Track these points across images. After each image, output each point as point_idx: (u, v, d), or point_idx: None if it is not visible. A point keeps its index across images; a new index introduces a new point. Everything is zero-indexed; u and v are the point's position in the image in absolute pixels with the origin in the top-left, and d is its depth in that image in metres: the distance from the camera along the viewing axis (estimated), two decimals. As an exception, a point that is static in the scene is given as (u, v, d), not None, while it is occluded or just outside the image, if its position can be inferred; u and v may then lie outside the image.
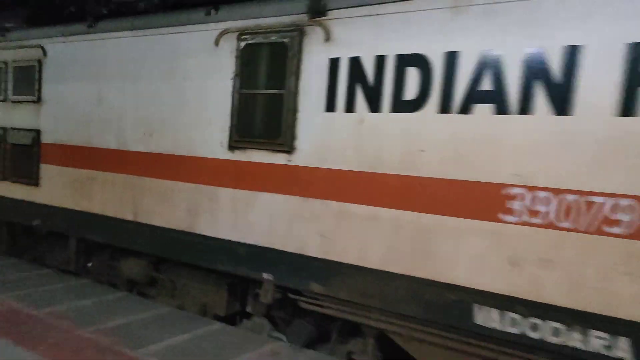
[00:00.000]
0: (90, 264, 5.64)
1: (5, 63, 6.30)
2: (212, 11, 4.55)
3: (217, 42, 4.45)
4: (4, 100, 6.40)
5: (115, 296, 5.52)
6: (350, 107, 3.84)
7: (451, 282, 3.43)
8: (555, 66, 3.07)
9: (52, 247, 6.10)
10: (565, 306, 3.11)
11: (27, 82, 6.11)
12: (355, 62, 3.82)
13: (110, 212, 5.14)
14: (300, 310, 4.22)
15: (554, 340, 3.17)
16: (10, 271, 6.28)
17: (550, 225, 3.18)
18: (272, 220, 4.23)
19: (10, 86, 6.40)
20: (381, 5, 3.75)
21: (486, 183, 3.34)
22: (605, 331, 3.03)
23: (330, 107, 3.95)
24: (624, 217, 2.97)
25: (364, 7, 3.87)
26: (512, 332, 3.20)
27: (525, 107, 3.09)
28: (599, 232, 3.04)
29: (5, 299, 5.20)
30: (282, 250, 4.19)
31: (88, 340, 4.33)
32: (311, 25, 4.04)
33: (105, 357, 4.09)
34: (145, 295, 5.55)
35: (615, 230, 3.00)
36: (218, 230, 4.57)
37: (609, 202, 3.04)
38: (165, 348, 4.28)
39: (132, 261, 5.25)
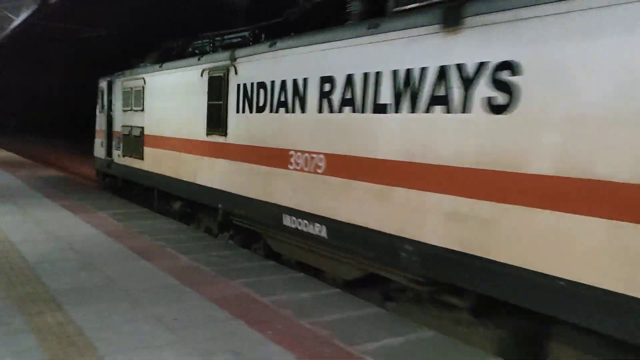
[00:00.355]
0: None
1: (131, 88, 12.46)
2: (200, 58, 9.42)
3: (201, 74, 9.22)
4: (130, 110, 12.61)
5: (329, 291, 6.21)
6: (243, 109, 8.02)
7: (275, 203, 7.22)
8: (302, 87, 6.75)
9: (148, 195, 12.19)
10: (309, 211, 6.58)
11: (139, 99, 12.02)
12: (244, 86, 8.04)
13: (167, 173, 10.64)
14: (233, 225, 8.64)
15: (305, 229, 6.61)
16: (240, 260, 7.52)
17: (302, 170, 6.76)
18: (220, 174, 8.69)
19: (132, 102, 12.42)
20: (253, 55, 7.91)
21: (283, 149, 7.12)
22: (320, 223, 6.41)
23: (238, 110, 8.19)
24: (321, 164, 6.40)
25: (245, 57, 8.09)
26: (294, 227, 6.85)
27: (295, 109, 6.90)
28: (315, 172, 6.53)
29: (237, 285, 6.28)
30: (228, 191, 8.40)
31: (308, 330, 4.90)
32: (231, 66, 8.37)
33: (323, 349, 4.52)
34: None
35: (320, 170, 6.44)
36: (202, 179, 9.20)
37: (317, 156, 6.47)
38: (380, 348, 4.58)
39: (175, 203, 10.87)
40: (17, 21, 18.97)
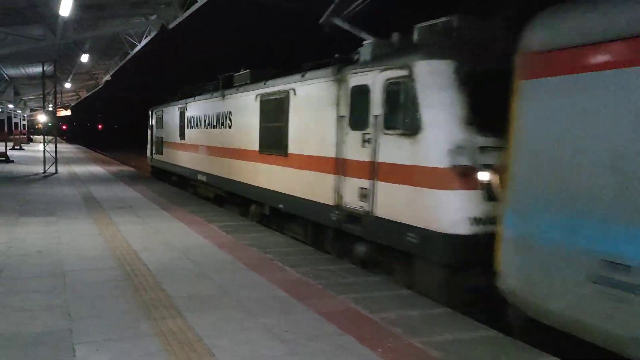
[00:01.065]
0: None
1: (161, 113, 21.83)
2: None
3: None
4: (159, 127, 22.54)
5: (439, 310, 6.00)
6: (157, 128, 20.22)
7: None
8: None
9: (165, 174, 21.48)
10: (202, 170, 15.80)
11: (160, 122, 21.98)
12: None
13: (170, 161, 20.47)
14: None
15: (203, 179, 15.92)
16: (345, 275, 7.49)
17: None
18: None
19: (157, 123, 22.87)
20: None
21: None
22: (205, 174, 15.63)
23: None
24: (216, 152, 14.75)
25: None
26: (201, 179, 15.73)
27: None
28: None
29: (345, 299, 6.28)
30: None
31: (419, 350, 4.81)
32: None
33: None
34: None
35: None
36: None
37: (207, 148, 15.93)
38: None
39: (173, 176, 19.88)
40: (139, 46, 20.69)
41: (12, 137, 43.65)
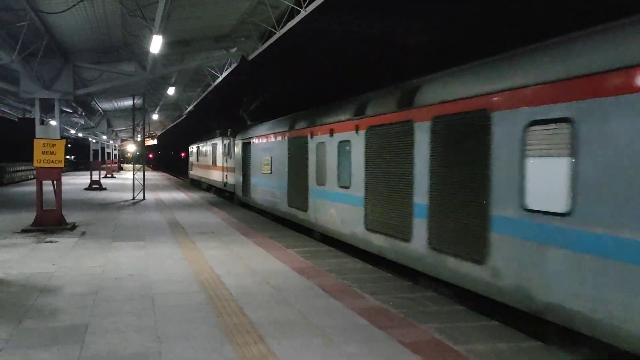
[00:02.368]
0: None
1: (195, 149, 42.10)
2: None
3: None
4: (192, 157, 44.01)
5: (530, 344, 5.69)
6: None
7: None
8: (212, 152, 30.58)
9: (197, 184, 40.21)
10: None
11: (193, 155, 43.30)
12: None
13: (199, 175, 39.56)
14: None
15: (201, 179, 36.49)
16: (428, 303, 7.33)
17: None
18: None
19: (192, 154, 44.45)
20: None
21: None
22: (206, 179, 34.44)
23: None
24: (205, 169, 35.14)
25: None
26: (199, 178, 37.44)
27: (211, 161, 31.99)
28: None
29: (428, 329, 6.14)
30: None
31: None
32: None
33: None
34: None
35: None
36: (209, 176, 33.35)
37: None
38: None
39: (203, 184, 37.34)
40: (220, 78, 21.66)
41: (105, 165, 46.74)
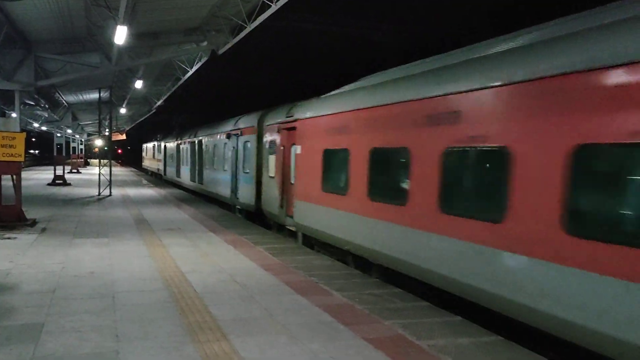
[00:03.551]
0: None
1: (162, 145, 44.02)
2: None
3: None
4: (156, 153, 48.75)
5: (490, 339, 5.74)
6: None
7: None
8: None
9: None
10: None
11: (160, 150, 44.65)
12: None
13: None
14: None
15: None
16: (393, 300, 7.34)
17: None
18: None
19: (154, 151, 49.93)
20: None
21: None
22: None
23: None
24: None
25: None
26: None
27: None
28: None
29: (392, 325, 6.16)
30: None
31: None
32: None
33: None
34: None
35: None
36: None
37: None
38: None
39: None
40: (190, 72, 21.32)
41: (69, 160, 45.62)
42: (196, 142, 25.72)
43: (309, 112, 11.64)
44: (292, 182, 12.80)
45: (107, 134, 31.68)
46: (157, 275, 8.52)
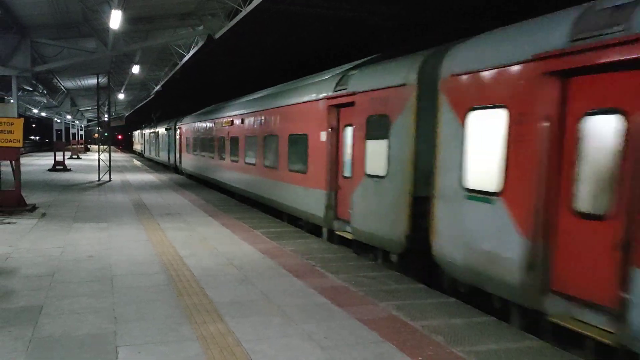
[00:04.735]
0: None
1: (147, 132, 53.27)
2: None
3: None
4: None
5: (483, 319, 5.83)
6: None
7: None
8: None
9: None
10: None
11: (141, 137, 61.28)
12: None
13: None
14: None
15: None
16: (388, 282, 7.41)
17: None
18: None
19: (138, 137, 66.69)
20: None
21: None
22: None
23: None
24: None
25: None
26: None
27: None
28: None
29: (387, 307, 6.24)
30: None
31: (460, 359, 4.77)
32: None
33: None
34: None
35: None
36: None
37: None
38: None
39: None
40: (186, 57, 21.23)
41: (69, 146, 45.62)
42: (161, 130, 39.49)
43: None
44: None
45: (105, 119, 31.66)
46: (155, 259, 8.59)
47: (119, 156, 55.76)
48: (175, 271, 7.81)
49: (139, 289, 6.85)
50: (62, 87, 28.01)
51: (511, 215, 5.70)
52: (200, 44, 19.13)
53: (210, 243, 9.98)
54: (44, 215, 13.08)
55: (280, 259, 8.77)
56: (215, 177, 21.82)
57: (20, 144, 12.99)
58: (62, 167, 30.22)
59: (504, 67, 5.83)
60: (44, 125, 67.35)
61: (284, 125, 12.97)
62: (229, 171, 19.08)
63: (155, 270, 7.84)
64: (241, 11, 14.12)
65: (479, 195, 6.20)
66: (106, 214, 13.49)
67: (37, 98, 30.73)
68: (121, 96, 37.18)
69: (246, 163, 16.55)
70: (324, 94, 10.61)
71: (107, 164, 24.81)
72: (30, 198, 15.17)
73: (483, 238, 6.12)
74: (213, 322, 5.66)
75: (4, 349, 4.80)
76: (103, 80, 23.99)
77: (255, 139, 15.46)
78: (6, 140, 12.68)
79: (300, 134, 11.84)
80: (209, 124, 22.62)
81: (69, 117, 44.18)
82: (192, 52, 20.44)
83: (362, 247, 9.35)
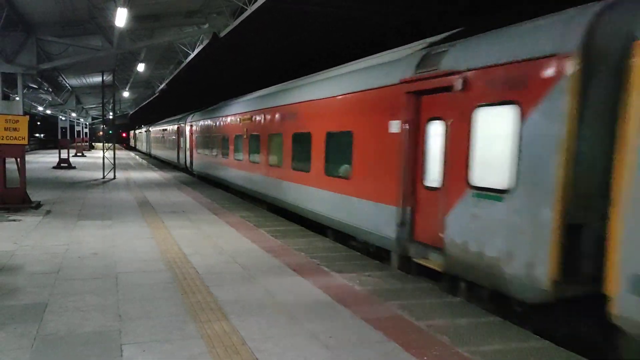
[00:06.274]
0: None
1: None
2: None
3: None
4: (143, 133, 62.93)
5: (488, 319, 5.83)
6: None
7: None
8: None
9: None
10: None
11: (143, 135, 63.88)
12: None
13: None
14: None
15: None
16: (393, 281, 7.42)
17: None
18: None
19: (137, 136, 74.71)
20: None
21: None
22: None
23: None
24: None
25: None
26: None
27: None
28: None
29: (391, 306, 6.23)
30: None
31: (465, 359, 4.71)
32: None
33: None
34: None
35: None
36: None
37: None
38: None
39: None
40: (192, 55, 21.23)
41: (74, 144, 45.72)
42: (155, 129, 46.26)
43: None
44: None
45: (110, 117, 31.69)
46: (160, 256, 8.59)
47: (123, 154, 55.85)
48: (179, 269, 7.81)
49: (143, 287, 6.84)
50: (67, 85, 28.06)
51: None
52: (205, 43, 19.12)
53: (215, 241, 9.98)
54: (48, 212, 13.10)
55: (285, 257, 8.76)
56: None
57: (25, 142, 13.01)
58: (66, 165, 30.29)
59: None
60: (49, 123, 67.53)
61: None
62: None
63: (160, 268, 7.84)
64: (246, 9, 14.10)
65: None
66: (111, 212, 13.50)
67: (42, 96, 30.79)
68: (126, 94, 37.23)
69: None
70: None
71: (112, 161, 24.84)
72: (35, 195, 15.20)
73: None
74: (218, 320, 5.65)
75: (9, 346, 4.80)
76: (108, 78, 24.01)
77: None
78: (11, 138, 12.70)
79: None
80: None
81: (73, 114, 44.28)
82: (197, 51, 20.43)
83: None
